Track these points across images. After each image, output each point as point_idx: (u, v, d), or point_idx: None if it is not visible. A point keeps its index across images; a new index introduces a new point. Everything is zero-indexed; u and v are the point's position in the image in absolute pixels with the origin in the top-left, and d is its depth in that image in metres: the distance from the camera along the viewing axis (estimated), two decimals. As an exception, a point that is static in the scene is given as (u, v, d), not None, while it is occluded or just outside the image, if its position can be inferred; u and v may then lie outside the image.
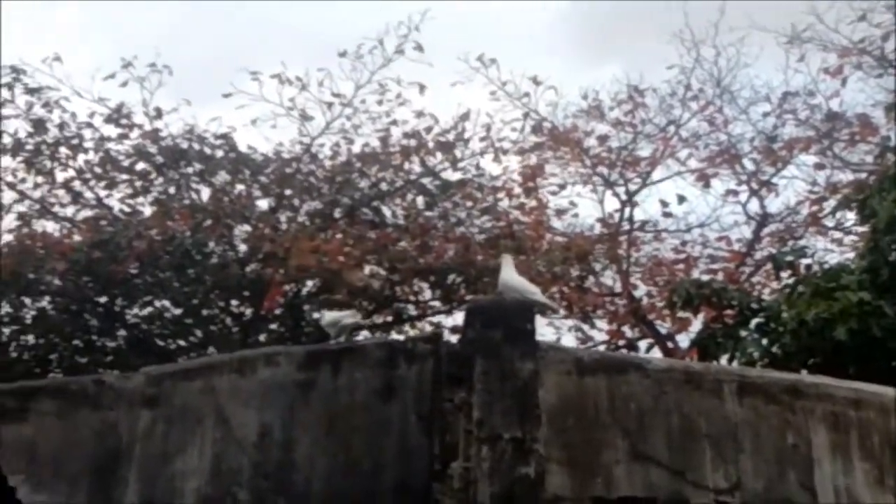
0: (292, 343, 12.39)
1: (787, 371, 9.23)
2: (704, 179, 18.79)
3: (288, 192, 16.50)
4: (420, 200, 17.05)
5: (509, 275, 8.54)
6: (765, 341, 12.25)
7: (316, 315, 9.02)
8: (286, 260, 14.63)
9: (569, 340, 16.77)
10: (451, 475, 7.21)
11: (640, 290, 17.93)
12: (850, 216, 15.66)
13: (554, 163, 18.76)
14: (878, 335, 11.09)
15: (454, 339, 9.41)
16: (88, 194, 16.71)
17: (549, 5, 31.85)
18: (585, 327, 17.44)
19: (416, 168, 16.94)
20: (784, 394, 7.81)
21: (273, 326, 16.21)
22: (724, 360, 12.52)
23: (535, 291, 8.40)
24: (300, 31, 28.15)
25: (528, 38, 29.16)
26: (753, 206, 18.90)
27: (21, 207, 16.51)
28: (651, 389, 7.62)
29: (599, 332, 17.52)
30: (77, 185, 16.60)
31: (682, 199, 18.65)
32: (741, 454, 7.57)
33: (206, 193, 16.49)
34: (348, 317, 9.25)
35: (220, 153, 16.44)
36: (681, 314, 14.73)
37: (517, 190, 17.57)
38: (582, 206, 19.10)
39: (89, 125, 16.44)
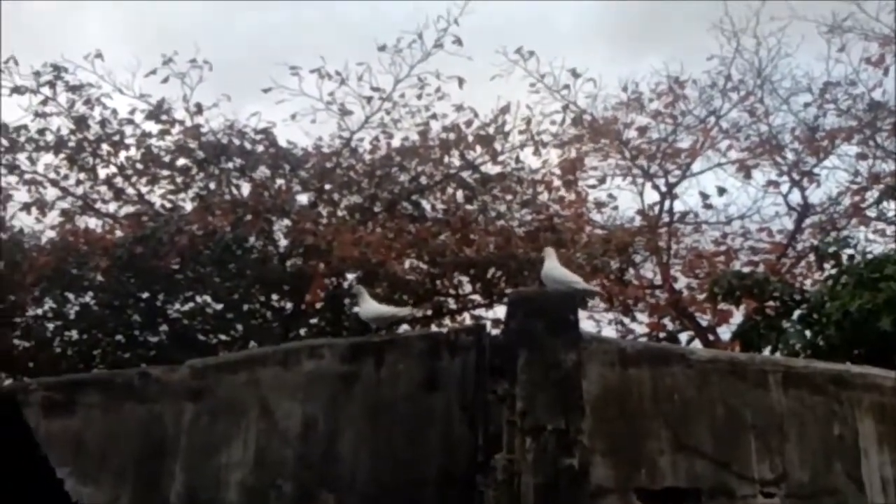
0: (333, 337, 12.39)
1: (832, 362, 9.15)
2: (745, 170, 18.68)
3: (328, 186, 16.49)
4: (460, 194, 16.99)
5: (552, 265, 8.51)
6: (808, 333, 12.19)
7: (356, 309, 8.95)
8: (329, 253, 14.64)
9: (609, 333, 16.73)
10: (495, 467, 7.24)
11: (681, 283, 17.86)
12: (893, 206, 15.53)
13: (593, 155, 18.73)
14: (924, 326, 11.00)
15: (497, 331, 9.42)
16: (130, 190, 16.77)
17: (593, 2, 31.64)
18: (626, 320, 17.39)
19: (456, 162, 16.86)
20: (830, 384, 7.78)
21: (314, 321, 16.23)
22: (766, 351, 12.47)
23: (576, 280, 8.36)
24: (339, 25, 28.13)
25: (569, 31, 29.03)
26: (795, 196, 18.78)
27: (64, 204, 16.60)
28: (695, 380, 7.61)
29: (640, 324, 17.45)
30: (119, 181, 16.66)
31: (722, 190, 18.59)
32: (787, 445, 7.55)
33: (246, 188, 16.51)
34: (403, 311, 9.20)
35: (260, 148, 16.43)
36: (722, 306, 14.69)
37: (557, 183, 17.50)
38: (621, 199, 19.12)
39: (130, 122, 16.47)
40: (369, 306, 8.69)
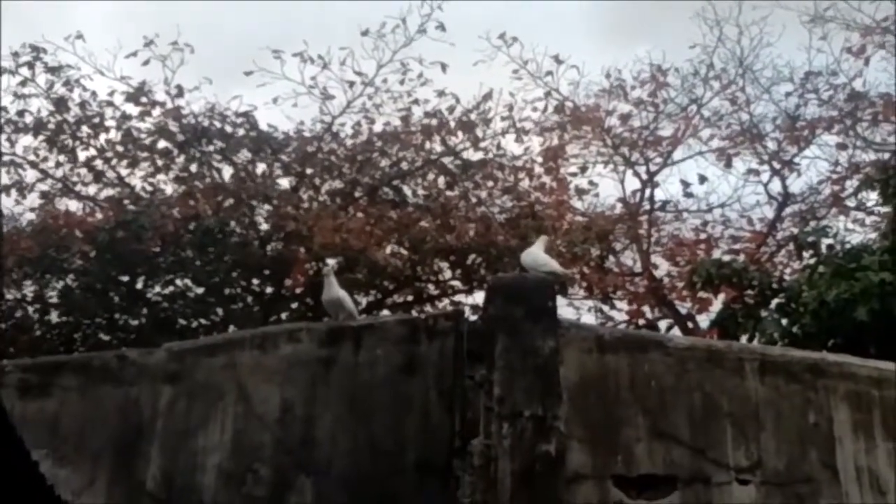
0: (314, 321, 12.35)
1: (808, 351, 9.17)
2: (726, 159, 18.72)
3: (309, 170, 16.47)
4: (441, 180, 16.98)
5: (529, 251, 8.58)
6: (785, 321, 12.22)
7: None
8: (310, 238, 14.63)
9: (589, 320, 16.73)
10: (472, 452, 7.23)
11: (661, 271, 17.90)
12: (873, 196, 15.51)
13: (575, 143, 18.69)
14: (901, 316, 11.04)
15: (475, 317, 9.42)
16: (110, 173, 16.70)
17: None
18: (605, 308, 17.43)
19: (438, 147, 16.86)
20: (806, 372, 7.80)
21: (294, 305, 16.22)
22: (744, 340, 12.49)
23: (546, 262, 8.38)
24: (323, 9, 27.97)
25: (555, 21, 28.91)
26: (775, 186, 18.81)
27: (43, 186, 16.55)
28: (673, 367, 7.62)
29: (619, 312, 17.51)
30: (99, 163, 16.59)
31: (703, 178, 18.62)
32: (762, 433, 7.57)
33: (227, 172, 16.50)
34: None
35: (241, 131, 16.38)
36: (701, 294, 14.73)
37: (538, 170, 17.51)
38: (602, 186, 19.07)
39: (110, 104, 16.40)
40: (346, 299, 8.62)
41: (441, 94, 16.86)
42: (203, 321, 15.87)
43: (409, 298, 16.97)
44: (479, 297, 15.84)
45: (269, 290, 16.22)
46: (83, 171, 16.65)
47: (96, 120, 16.36)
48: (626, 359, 7.60)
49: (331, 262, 9.44)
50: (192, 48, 16.52)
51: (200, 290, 15.81)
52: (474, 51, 18.14)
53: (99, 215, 15.84)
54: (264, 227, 16.21)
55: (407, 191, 17.03)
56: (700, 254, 17.03)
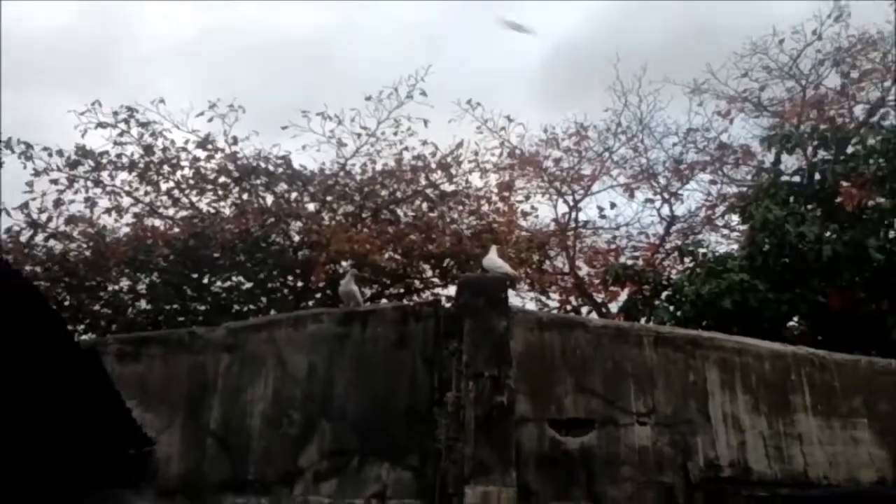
0: (331, 307, 12.31)
1: (689, 329, 9.21)
2: (630, 191, 18.78)
3: (329, 198, 16.39)
4: (425, 206, 16.93)
5: (488, 257, 8.62)
6: (672, 308, 12.26)
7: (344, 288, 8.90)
8: (328, 246, 14.60)
9: (531, 307, 16.66)
10: (447, 402, 7.24)
11: (583, 271, 17.93)
12: (735, 218, 15.62)
13: (521, 179, 18.72)
14: (754, 305, 11.12)
15: (449, 304, 9.39)
16: (184, 200, 16.56)
17: (524, 69, 31.79)
18: (543, 298, 17.43)
19: (422, 182, 16.79)
20: (687, 344, 7.84)
21: (318, 296, 16.14)
22: (643, 321, 12.51)
23: (501, 265, 8.50)
24: (337, 82, 28.00)
25: (509, 89, 29.00)
26: (665, 210, 18.90)
27: (135, 209, 16.40)
28: (591, 341, 7.65)
29: (553, 301, 17.51)
30: (176, 192, 16.45)
31: (613, 205, 18.65)
32: (655, 388, 7.60)
33: (269, 198, 16.41)
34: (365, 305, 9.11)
35: (279, 170, 16.30)
36: (612, 288, 14.74)
37: (495, 198, 17.51)
38: (541, 210, 19.07)
39: (184, 149, 16.29)
40: (356, 290, 8.68)
41: (424, 142, 16.83)
42: (251, 307, 15.78)
43: (402, 291, 16.90)
44: (452, 291, 15.78)
45: (299, 284, 16.12)
46: (164, 198, 16.50)
47: (174, 161, 16.22)
48: (558, 335, 7.61)
49: (345, 264, 9.46)
50: (243, 109, 16.46)
51: (250, 285, 15.72)
52: (449, 112, 18.21)
53: (176, 229, 15.73)
54: (296, 238, 16.14)
55: (400, 213, 16.96)
56: (611, 259, 17.07)
